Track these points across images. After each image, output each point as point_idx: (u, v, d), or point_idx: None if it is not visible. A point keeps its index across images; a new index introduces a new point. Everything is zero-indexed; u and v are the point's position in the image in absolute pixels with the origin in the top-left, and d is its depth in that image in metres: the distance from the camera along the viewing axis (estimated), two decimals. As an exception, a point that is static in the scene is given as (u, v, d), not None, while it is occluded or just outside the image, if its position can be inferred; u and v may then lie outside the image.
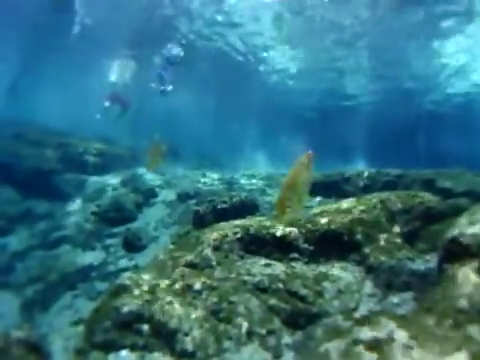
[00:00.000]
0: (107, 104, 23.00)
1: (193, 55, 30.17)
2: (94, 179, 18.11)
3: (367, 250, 5.81)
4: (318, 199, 14.26)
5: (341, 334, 3.16)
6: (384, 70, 32.26)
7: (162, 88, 22.74)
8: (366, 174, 14.58)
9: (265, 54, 31.13)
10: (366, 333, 3.08)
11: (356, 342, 2.98)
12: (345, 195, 8.99)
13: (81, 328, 9.67)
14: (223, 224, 6.44)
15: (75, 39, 25.04)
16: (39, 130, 20.52)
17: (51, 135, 19.92)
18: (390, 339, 2.94)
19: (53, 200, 16.84)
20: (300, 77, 34.80)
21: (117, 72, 30.19)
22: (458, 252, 4.03)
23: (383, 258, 5.66)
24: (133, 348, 4.75)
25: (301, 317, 4.72)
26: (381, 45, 27.74)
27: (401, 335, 2.97)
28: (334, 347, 3.01)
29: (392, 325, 3.10)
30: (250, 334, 4.53)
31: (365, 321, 3.26)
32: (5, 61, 32.39)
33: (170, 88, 22.85)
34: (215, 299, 4.89)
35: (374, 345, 2.91)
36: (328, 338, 3.18)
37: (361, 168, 16.87)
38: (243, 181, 18.59)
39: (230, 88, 36.19)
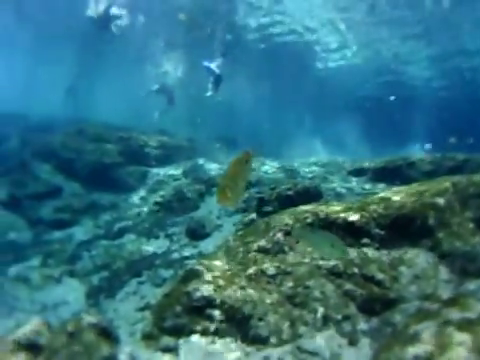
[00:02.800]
0: (155, 88, 23.34)
1: (248, 44, 30.21)
2: (156, 171, 18.35)
3: (440, 235, 5.61)
4: (381, 185, 14.02)
5: (430, 316, 3.04)
6: (443, 52, 31.40)
7: (212, 81, 22.88)
8: (430, 159, 14.26)
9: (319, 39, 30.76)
10: (456, 314, 2.95)
11: (447, 323, 2.86)
12: (409, 180, 8.73)
13: (147, 313, 9.85)
14: (292, 209, 6.35)
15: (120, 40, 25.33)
16: (100, 126, 20.92)
17: (112, 130, 20.29)
18: (480, 320, 2.82)
19: (116, 192, 17.17)
20: (355, 62, 34.29)
21: (170, 64, 30.51)
22: None
23: (457, 244, 5.45)
24: (204, 333, 4.73)
25: (377, 302, 4.60)
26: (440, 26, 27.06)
27: (493, 317, 2.85)
28: (424, 328, 2.90)
29: (480, 307, 2.97)
30: (326, 319, 4.44)
31: (453, 303, 3.13)
32: (63, 62, 33.24)
33: (221, 78, 22.93)
34: (290, 284, 4.82)
35: (465, 325, 2.79)
36: (415, 320, 3.06)
37: (418, 153, 16.48)
38: (304, 168, 18.42)
39: (285, 76, 35.97)
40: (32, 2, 26.71)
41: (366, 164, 16.41)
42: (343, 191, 14.24)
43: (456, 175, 7.23)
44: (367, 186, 14.69)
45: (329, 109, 42.30)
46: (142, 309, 10.61)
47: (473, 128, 37.62)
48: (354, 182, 15.57)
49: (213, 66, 23.49)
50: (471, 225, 5.91)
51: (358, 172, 16.44)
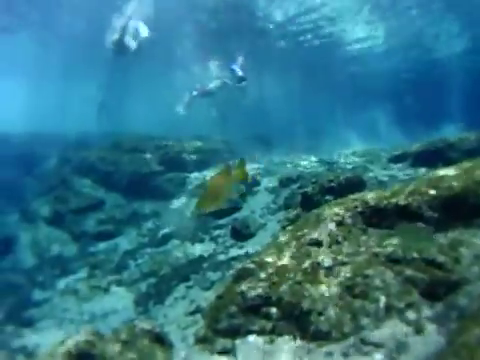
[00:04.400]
0: (195, 93, 23.49)
1: (274, 38, 30.15)
2: (195, 175, 18.55)
3: (495, 213, 5.38)
4: (423, 169, 13.77)
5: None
6: (473, 32, 30.77)
7: (237, 84, 22.89)
8: (471, 138, 13.97)
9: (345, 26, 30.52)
10: None
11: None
12: (451, 161, 8.48)
13: (198, 317, 9.84)
14: (340, 199, 6.20)
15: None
16: (135, 138, 21.22)
17: (147, 140, 20.57)
18: None
19: (157, 200, 17.39)
20: (385, 48, 33.89)
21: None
22: None
23: (516, 221, 5.23)
24: (261, 332, 4.61)
25: (441, 286, 4.42)
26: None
27: None
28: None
29: None
30: (388, 309, 4.29)
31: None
32: (93, 79, 33.73)
33: (244, 83, 22.91)
34: (348, 274, 4.68)
35: None
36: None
37: (453, 134, 16.17)
38: (342, 160, 18.30)
39: (314, 67, 35.80)
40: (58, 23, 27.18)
41: (405, 150, 16.16)
42: (385, 179, 14.04)
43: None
44: (409, 172, 14.47)
45: (361, 97, 41.96)
46: (192, 313, 10.63)
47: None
48: (395, 169, 15.37)
49: (236, 68, 23.49)
50: (527, 201, 5.66)
51: (398, 158, 16.24)
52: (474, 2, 27.37)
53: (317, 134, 31.31)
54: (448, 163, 7.79)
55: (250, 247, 12.41)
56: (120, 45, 22.70)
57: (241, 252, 12.44)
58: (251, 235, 13.15)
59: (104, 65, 29.35)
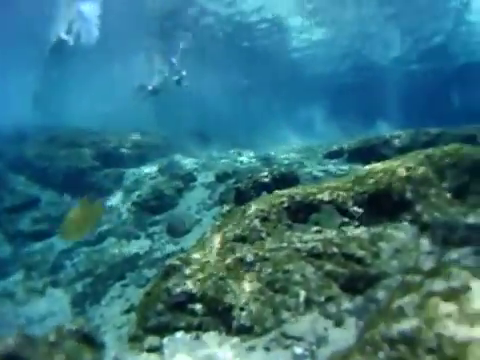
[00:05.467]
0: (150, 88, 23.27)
1: (213, 35, 30.23)
2: (132, 171, 18.29)
3: (419, 208, 5.56)
4: (357, 166, 14.05)
5: (412, 289, 2.95)
6: (409, 27, 31.82)
7: (176, 77, 22.84)
8: (404, 135, 14.35)
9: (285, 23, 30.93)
10: (440, 284, 2.87)
11: (431, 294, 2.78)
12: (385, 158, 8.73)
13: (133, 315, 9.76)
14: (267, 196, 6.28)
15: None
16: (72, 132, 20.78)
17: (84, 135, 20.17)
18: (466, 288, 2.74)
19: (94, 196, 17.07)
20: (323, 46, 34.51)
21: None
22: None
23: (436, 214, 5.42)
24: (188, 329, 4.64)
25: (360, 280, 4.53)
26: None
27: (477, 284, 2.76)
28: (408, 302, 2.82)
29: (465, 274, 2.89)
30: (308, 303, 4.37)
31: (436, 273, 3.05)
32: (30, 70, 32.84)
33: (184, 74, 22.92)
34: (269, 270, 4.74)
35: (451, 295, 2.71)
36: (398, 295, 2.98)
37: (391, 131, 16.63)
38: (279, 156, 18.48)
39: (255, 65, 36.08)
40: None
41: (341, 146, 16.45)
42: (320, 174, 14.25)
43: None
44: (344, 167, 14.72)
45: (300, 95, 42.53)
46: (127, 311, 10.54)
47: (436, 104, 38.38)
48: (331, 165, 15.61)
49: (175, 61, 23.50)
50: (448, 195, 5.88)
51: (334, 155, 16.51)
52: (413, 14, 28.47)
53: (257, 130, 31.52)
54: (381, 159, 8.01)
55: (185, 243, 12.39)
56: (58, 46, 22.53)
57: (176, 248, 12.42)
58: (187, 231, 13.16)
59: (41, 57, 28.73)
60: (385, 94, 40.68)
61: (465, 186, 6.10)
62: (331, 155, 16.56)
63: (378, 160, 7.43)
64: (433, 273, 3.04)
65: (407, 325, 2.60)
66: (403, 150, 12.49)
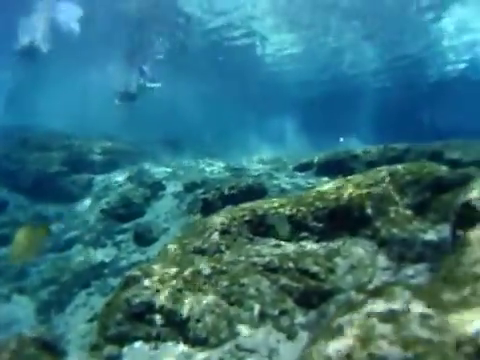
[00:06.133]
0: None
1: (187, 43, 30.33)
2: (101, 177, 18.20)
3: (378, 224, 5.69)
4: (325, 179, 14.22)
5: (355, 308, 3.05)
6: (382, 45, 32.37)
7: (147, 84, 22.99)
8: (373, 150, 14.56)
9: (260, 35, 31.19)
10: (380, 305, 2.97)
11: (370, 314, 2.88)
12: (353, 173, 8.86)
13: (96, 324, 9.74)
14: (230, 208, 6.37)
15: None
16: (43, 135, 20.60)
17: (55, 138, 20.03)
18: (406, 309, 2.84)
19: (62, 202, 16.97)
20: (297, 57, 34.81)
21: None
22: (471, 217, 3.90)
23: (395, 231, 5.54)
24: (147, 339, 4.71)
25: (314, 295, 4.64)
26: (379, 20, 27.91)
27: (418, 305, 2.87)
28: (348, 321, 2.91)
29: (407, 295, 3.00)
30: (263, 316, 4.46)
31: (378, 293, 3.15)
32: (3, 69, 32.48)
33: (156, 85, 23.10)
34: (225, 283, 4.82)
35: (389, 316, 2.81)
36: (341, 313, 3.07)
37: (361, 146, 16.87)
38: (249, 167, 18.58)
39: (228, 75, 36.22)
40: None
41: (310, 159, 16.62)
42: (288, 187, 14.37)
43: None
44: (312, 180, 14.87)
45: (273, 106, 42.78)
46: (91, 320, 10.51)
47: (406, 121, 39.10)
48: (299, 177, 15.76)
49: (145, 68, 23.62)
50: (409, 212, 6.00)
51: (303, 167, 16.67)
52: (388, 32, 29.03)
53: (228, 140, 31.62)
54: (350, 174, 8.14)
55: (152, 252, 12.38)
56: (29, 50, 22.42)
57: (143, 257, 12.41)
58: (154, 240, 13.16)
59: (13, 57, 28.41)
60: (356, 109, 41.19)
61: (427, 203, 6.22)
62: (300, 168, 16.71)
63: (346, 174, 7.56)
64: (376, 293, 3.14)
65: (342, 344, 2.69)
66: (371, 165, 12.72)
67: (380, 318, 2.79)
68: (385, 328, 2.70)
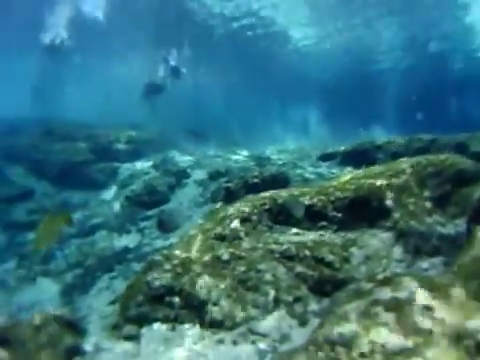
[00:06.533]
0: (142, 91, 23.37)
1: (213, 33, 30.31)
2: (126, 166, 18.33)
3: (397, 215, 5.73)
4: (349, 169, 14.18)
5: (361, 296, 3.14)
6: (410, 33, 31.87)
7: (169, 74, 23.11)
8: (398, 141, 14.44)
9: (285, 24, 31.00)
10: (386, 294, 3.05)
11: (375, 302, 2.96)
12: (377, 163, 8.84)
13: (117, 306, 9.93)
14: (251, 197, 6.46)
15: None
16: (68, 125, 20.84)
17: (80, 128, 20.24)
18: (411, 300, 2.92)
19: (87, 190, 17.16)
20: (322, 48, 34.52)
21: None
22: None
23: (413, 223, 5.57)
24: (165, 320, 4.88)
25: (328, 284, 4.73)
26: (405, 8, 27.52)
27: (423, 296, 2.94)
28: (353, 308, 3.00)
29: (414, 286, 3.07)
30: (277, 302, 4.57)
31: (386, 282, 3.23)
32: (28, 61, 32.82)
33: (180, 73, 23.22)
34: (243, 268, 4.94)
35: (393, 305, 2.89)
36: (348, 300, 3.17)
37: (385, 136, 16.70)
38: (273, 156, 18.58)
39: (253, 64, 36.09)
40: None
41: (335, 149, 16.56)
42: (311, 177, 14.36)
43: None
44: (335, 170, 14.83)
45: (297, 95, 42.52)
46: (113, 303, 10.67)
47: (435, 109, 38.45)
48: (323, 167, 15.72)
49: (170, 58, 23.70)
50: (428, 204, 6.01)
51: (327, 157, 16.59)
52: (416, 21, 28.67)
53: (252, 129, 31.56)
54: (373, 164, 8.15)
55: (175, 239, 12.50)
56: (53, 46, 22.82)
57: (166, 243, 12.53)
58: (177, 227, 13.27)
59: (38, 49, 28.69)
60: (382, 99, 40.72)
61: (447, 196, 6.22)
62: (324, 157, 16.64)
63: (370, 165, 7.58)
64: (384, 282, 3.22)
65: (346, 329, 2.78)
66: (396, 156, 12.63)
67: (385, 306, 2.87)
68: (388, 316, 2.78)
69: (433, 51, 34.85)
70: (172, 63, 23.89)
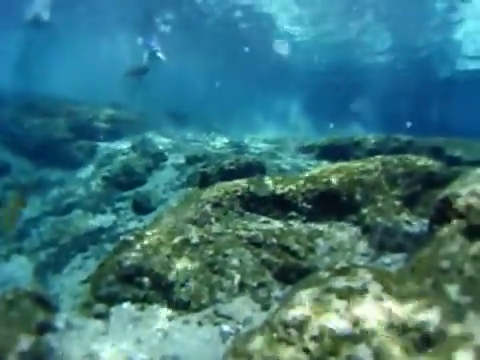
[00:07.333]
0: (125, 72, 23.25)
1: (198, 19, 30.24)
2: (105, 145, 18.24)
3: (365, 211, 5.89)
4: (325, 162, 14.35)
5: (318, 283, 3.31)
6: (394, 34, 32.09)
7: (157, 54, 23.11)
8: (375, 139, 14.63)
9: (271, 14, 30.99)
10: (341, 282, 3.22)
11: (329, 290, 3.13)
12: (353, 159, 9.00)
13: (89, 285, 10.02)
14: (224, 183, 6.59)
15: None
16: (49, 100, 20.63)
17: (61, 104, 20.04)
18: (363, 290, 3.08)
19: (65, 168, 17.05)
20: (306, 38, 34.59)
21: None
22: (446, 212, 4.06)
23: (379, 219, 5.74)
24: (134, 300, 5.01)
25: (292, 271, 4.90)
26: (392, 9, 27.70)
27: (375, 288, 3.11)
28: (308, 294, 3.17)
29: (369, 277, 3.23)
30: (242, 286, 4.74)
31: (343, 272, 3.39)
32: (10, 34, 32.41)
33: (159, 55, 23.18)
34: (211, 252, 5.09)
35: (346, 294, 3.06)
36: (305, 286, 3.34)
37: (362, 133, 16.90)
38: (252, 145, 18.67)
39: (236, 51, 36.02)
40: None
41: (313, 142, 16.71)
42: (287, 167, 14.51)
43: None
44: (312, 163, 14.99)
45: (279, 85, 42.57)
46: (85, 282, 10.75)
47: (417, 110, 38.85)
48: (301, 159, 15.87)
49: (151, 41, 23.71)
50: (398, 203, 6.17)
51: (306, 150, 16.73)
52: (404, 21, 28.88)
53: (234, 116, 31.55)
54: (350, 160, 8.31)
55: (149, 221, 12.55)
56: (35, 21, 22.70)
57: (140, 225, 12.61)
58: (152, 209, 13.34)
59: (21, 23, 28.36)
60: (363, 96, 40.94)
61: (417, 196, 6.40)
62: (303, 150, 16.78)
63: (346, 160, 7.73)
64: (341, 272, 3.39)
65: (300, 312, 2.96)
66: (372, 153, 12.84)
67: (337, 294, 3.05)
68: (340, 304, 2.96)
69: (421, 57, 35.15)
70: (153, 47, 23.83)
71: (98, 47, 36.30)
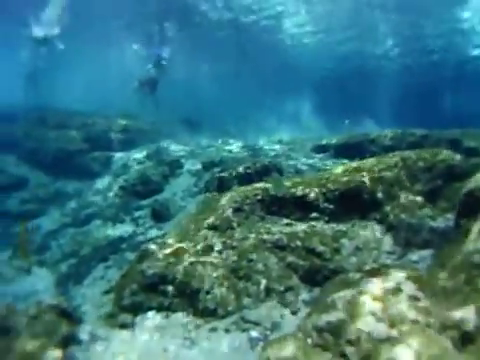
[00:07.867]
0: (135, 84, 23.31)
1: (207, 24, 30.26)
2: (120, 155, 18.28)
3: (387, 208, 5.80)
4: (342, 161, 14.24)
5: (349, 285, 3.23)
6: (406, 28, 31.86)
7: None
8: (391, 135, 14.49)
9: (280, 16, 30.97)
10: (374, 284, 3.14)
11: (362, 292, 3.05)
12: (370, 156, 8.88)
13: (112, 296, 10.00)
14: (244, 187, 6.52)
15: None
16: (62, 113, 20.75)
17: (74, 116, 20.15)
18: (397, 290, 3.00)
19: (81, 179, 17.13)
20: (317, 39, 34.50)
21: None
22: (474, 206, 3.96)
23: (403, 216, 5.65)
24: (159, 309, 4.96)
25: (318, 274, 4.82)
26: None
27: (409, 287, 3.02)
28: (341, 297, 3.09)
29: (401, 277, 3.15)
30: (268, 291, 4.66)
31: (374, 273, 3.31)
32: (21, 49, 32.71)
33: (163, 63, 23.22)
34: (235, 258, 5.02)
35: (380, 295, 2.97)
36: (336, 289, 3.26)
37: (380, 130, 16.73)
38: (267, 147, 18.61)
39: (247, 55, 36.03)
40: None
41: (328, 141, 16.60)
42: (304, 168, 14.39)
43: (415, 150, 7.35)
44: (328, 162, 14.88)
45: (291, 87, 42.47)
46: (108, 292, 10.72)
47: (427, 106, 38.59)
48: (316, 159, 15.76)
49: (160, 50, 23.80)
50: (419, 198, 6.08)
51: (321, 149, 16.62)
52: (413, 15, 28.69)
53: (247, 120, 31.47)
54: (366, 157, 8.20)
55: (169, 228, 12.54)
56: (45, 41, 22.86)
57: (159, 233, 12.58)
58: (171, 216, 13.31)
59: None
60: (376, 92, 40.71)
61: (438, 190, 6.29)
62: (318, 149, 16.67)
63: (363, 158, 7.63)
64: (372, 273, 3.30)
65: (334, 317, 2.88)
66: (389, 149, 12.72)
67: (372, 296, 2.96)
68: (375, 306, 2.87)
69: (430, 49, 34.89)
70: (159, 56, 23.91)
71: (107, 58, 36.46)
